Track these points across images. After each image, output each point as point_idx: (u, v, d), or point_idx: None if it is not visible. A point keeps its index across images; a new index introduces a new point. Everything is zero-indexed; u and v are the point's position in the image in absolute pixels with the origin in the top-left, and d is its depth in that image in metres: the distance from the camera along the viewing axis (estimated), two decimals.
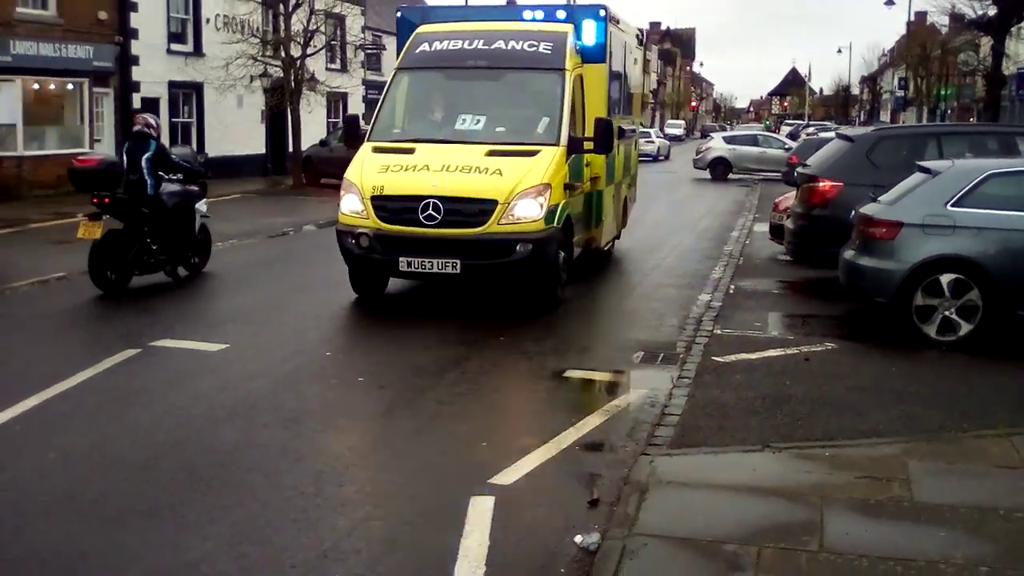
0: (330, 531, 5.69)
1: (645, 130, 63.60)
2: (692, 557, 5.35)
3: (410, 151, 11.92)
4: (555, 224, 11.53)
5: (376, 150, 12.19)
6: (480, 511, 5.90)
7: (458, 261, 11.07)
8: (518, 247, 11.14)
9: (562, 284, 12.09)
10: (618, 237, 16.93)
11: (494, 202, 11.17)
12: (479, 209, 11.18)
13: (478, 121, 12.42)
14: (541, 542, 5.62)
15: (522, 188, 11.24)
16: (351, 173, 11.88)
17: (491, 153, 11.68)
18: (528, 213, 11.22)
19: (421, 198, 11.20)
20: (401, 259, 11.22)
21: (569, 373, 9.24)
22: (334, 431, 7.63)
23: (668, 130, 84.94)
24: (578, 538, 5.57)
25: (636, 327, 11.43)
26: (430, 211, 11.13)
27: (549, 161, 11.67)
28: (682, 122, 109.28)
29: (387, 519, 5.87)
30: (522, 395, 8.59)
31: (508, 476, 6.49)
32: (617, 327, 11.68)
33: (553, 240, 11.53)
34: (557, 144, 12.00)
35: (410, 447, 7.19)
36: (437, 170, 11.45)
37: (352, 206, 11.64)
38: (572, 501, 6.19)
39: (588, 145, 12.59)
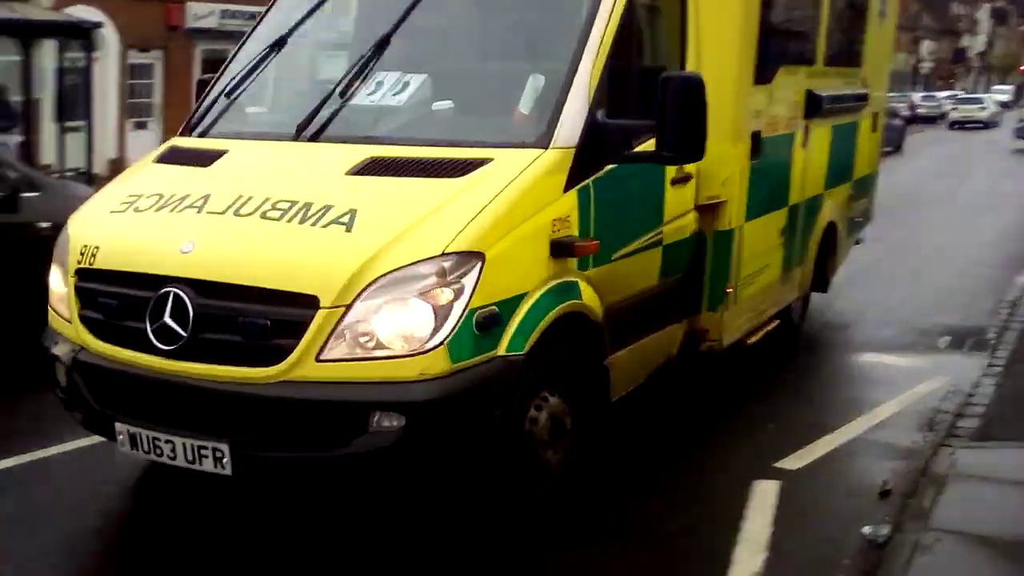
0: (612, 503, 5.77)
1: (976, 96, 59.68)
2: (990, 556, 5.05)
3: (212, 157, 5.54)
4: (498, 351, 4.63)
5: (169, 155, 5.89)
6: (764, 495, 5.80)
7: (225, 446, 4.56)
8: (373, 421, 4.45)
9: (550, 478, 5.15)
10: (819, 290, 9.42)
11: (310, 301, 4.45)
12: (275, 317, 4.51)
13: (404, 86, 5.63)
14: (826, 531, 5.48)
15: (389, 267, 4.47)
16: (79, 211, 5.69)
17: (365, 168, 5.08)
18: (401, 329, 4.45)
19: (153, 281, 4.78)
20: (119, 425, 4.85)
21: (866, 356, 8.91)
22: None
23: (993, 96, 79.86)
24: (866, 529, 5.37)
25: (943, 309, 10.78)
26: (166, 318, 4.67)
27: (496, 190, 4.81)
28: (1011, 87, 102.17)
29: (668, 496, 5.87)
30: (813, 377, 8.33)
31: (795, 461, 6.33)
32: (922, 307, 10.92)
33: (482, 398, 4.60)
34: (545, 143, 5.07)
35: (697, 424, 7.12)
36: (216, 211, 4.96)
37: (57, 287, 5.39)
38: (862, 491, 5.97)
39: (645, 143, 5.36)
